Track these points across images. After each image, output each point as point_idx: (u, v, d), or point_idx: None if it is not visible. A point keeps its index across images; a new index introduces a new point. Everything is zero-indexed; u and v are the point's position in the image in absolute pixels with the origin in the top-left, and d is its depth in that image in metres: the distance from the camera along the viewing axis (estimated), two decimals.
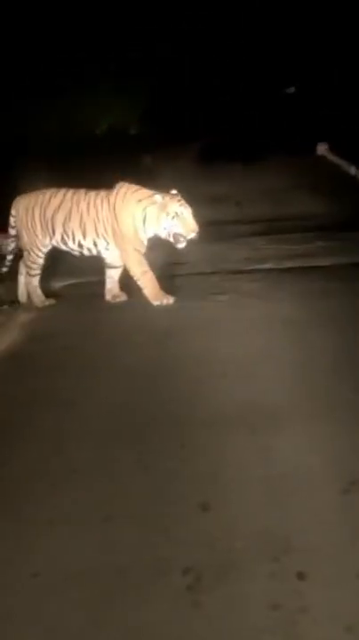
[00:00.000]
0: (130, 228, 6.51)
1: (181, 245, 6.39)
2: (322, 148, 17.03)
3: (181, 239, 6.34)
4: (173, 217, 6.33)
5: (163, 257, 6.96)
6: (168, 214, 6.34)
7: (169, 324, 5.89)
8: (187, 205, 6.35)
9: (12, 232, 7.01)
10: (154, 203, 6.40)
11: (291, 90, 19.08)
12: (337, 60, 16.63)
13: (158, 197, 6.39)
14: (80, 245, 6.75)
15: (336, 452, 3.71)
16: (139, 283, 6.51)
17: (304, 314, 5.90)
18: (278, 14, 18.34)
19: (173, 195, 6.42)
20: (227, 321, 5.93)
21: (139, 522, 3.21)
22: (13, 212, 6.97)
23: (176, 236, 6.35)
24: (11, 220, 6.99)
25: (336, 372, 4.72)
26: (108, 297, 6.80)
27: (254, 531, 3.10)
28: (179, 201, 6.35)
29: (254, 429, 3.97)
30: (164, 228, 6.38)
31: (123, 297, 6.77)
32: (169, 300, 6.44)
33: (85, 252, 6.80)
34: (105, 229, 6.62)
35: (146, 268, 6.51)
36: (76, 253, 6.86)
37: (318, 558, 2.88)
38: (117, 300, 6.77)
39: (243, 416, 4.14)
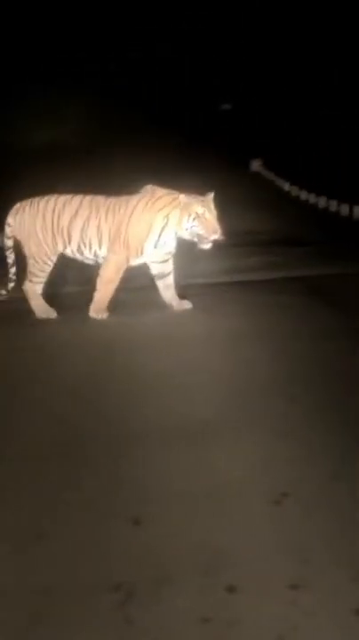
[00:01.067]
0: (137, 233, 6.36)
1: (206, 246, 6.32)
2: (256, 164, 17.26)
3: (204, 240, 6.28)
4: (194, 218, 6.25)
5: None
6: (189, 215, 6.27)
7: (106, 339, 5.88)
8: (210, 206, 6.28)
9: (9, 243, 6.72)
10: (177, 206, 6.32)
11: (227, 107, 19.29)
12: (271, 77, 16.88)
13: (183, 197, 6.31)
14: (96, 255, 6.55)
15: (268, 463, 3.72)
16: (98, 286, 6.40)
17: (242, 327, 5.95)
18: (215, 35, 18.55)
19: (196, 196, 6.33)
20: (165, 335, 5.94)
21: (70, 539, 3.16)
22: (11, 220, 6.68)
23: (199, 236, 6.29)
24: (8, 230, 6.69)
25: (271, 384, 4.76)
26: (174, 304, 6.61)
27: (186, 544, 3.08)
28: (202, 201, 6.28)
29: (187, 443, 3.96)
30: (186, 229, 6.31)
31: (188, 304, 6.61)
32: (103, 316, 6.38)
33: (101, 262, 6.56)
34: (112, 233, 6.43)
35: (116, 277, 6.40)
36: (91, 262, 6.65)
37: (249, 570, 2.88)
38: (184, 307, 6.59)
39: (176, 429, 4.13)
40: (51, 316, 6.57)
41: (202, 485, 3.53)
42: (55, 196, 6.69)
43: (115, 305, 6.50)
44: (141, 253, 6.43)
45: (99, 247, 6.49)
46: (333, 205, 13.07)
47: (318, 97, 13.83)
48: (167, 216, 6.34)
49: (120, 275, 6.42)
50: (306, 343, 5.53)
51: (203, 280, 7.40)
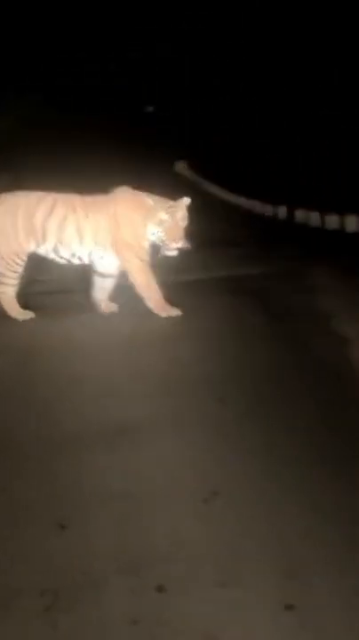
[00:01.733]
0: (131, 235, 6.17)
1: (170, 253, 6.11)
2: (180, 166, 17.31)
3: (167, 247, 6.08)
4: (158, 223, 6.06)
5: (26, 272, 6.76)
6: (154, 220, 6.07)
7: (30, 344, 5.75)
8: (177, 213, 6.05)
9: None
10: (149, 208, 6.11)
11: (150, 109, 19.32)
12: (194, 79, 16.96)
13: (149, 201, 6.11)
14: (73, 254, 6.30)
15: (198, 463, 3.70)
16: (142, 294, 6.16)
17: (171, 328, 5.91)
18: (142, 40, 18.59)
19: (167, 201, 6.10)
20: (92, 338, 5.86)
21: None
22: None
23: (163, 243, 6.08)
24: None
25: (200, 384, 4.73)
26: (103, 307, 6.38)
27: (113, 547, 3.04)
28: (169, 207, 6.06)
29: (116, 445, 3.91)
30: (152, 234, 6.10)
31: (114, 307, 6.40)
32: (177, 312, 6.13)
33: (75, 261, 6.35)
34: (105, 238, 6.22)
35: (148, 275, 6.18)
36: (64, 262, 6.38)
37: (178, 570, 2.85)
38: (110, 310, 6.37)
39: (105, 432, 4.07)
40: (27, 317, 6.32)
41: (130, 487, 3.49)
42: (26, 192, 6.41)
43: (36, 308, 6.37)
44: (146, 250, 6.22)
45: (80, 246, 6.27)
46: (258, 206, 13.20)
47: (243, 100, 13.94)
48: (143, 217, 6.13)
49: (149, 273, 6.18)
50: (235, 343, 5.53)
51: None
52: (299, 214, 12.26)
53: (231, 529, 3.11)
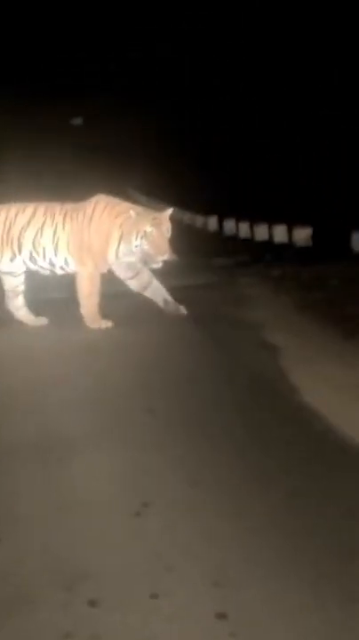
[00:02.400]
0: (99, 242, 6.07)
1: (155, 266, 6.05)
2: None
3: (152, 260, 6.01)
4: (142, 236, 5.93)
5: None
6: (138, 232, 5.94)
7: None
8: (162, 225, 5.94)
9: None
10: (129, 218, 6.00)
11: (78, 121, 19.25)
12: (121, 92, 17.02)
13: (133, 213, 5.99)
14: (51, 263, 6.26)
15: (127, 475, 3.71)
16: (81, 300, 6.13)
17: (103, 340, 5.92)
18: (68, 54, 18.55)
19: (150, 212, 6.04)
20: (17, 351, 5.82)
21: None
22: None
23: (147, 256, 6.00)
24: None
25: (129, 396, 4.75)
26: (168, 308, 6.34)
27: (46, 561, 3.02)
28: (153, 219, 5.95)
29: (45, 459, 3.89)
30: (135, 246, 6.00)
31: (182, 309, 6.36)
32: (107, 324, 6.09)
33: (58, 271, 6.29)
34: (74, 243, 6.16)
35: (95, 289, 6.11)
36: (47, 272, 6.35)
37: (110, 583, 2.85)
38: (179, 311, 6.32)
39: (34, 446, 4.05)
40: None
41: (61, 501, 3.48)
42: (7, 205, 6.42)
43: None
44: (107, 261, 6.19)
45: (55, 254, 6.23)
46: (187, 217, 13.29)
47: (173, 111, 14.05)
48: (121, 226, 6.09)
49: (97, 285, 6.16)
50: (164, 353, 5.57)
51: (59, 295, 7.32)
52: (228, 225, 12.41)
53: (162, 540, 3.13)
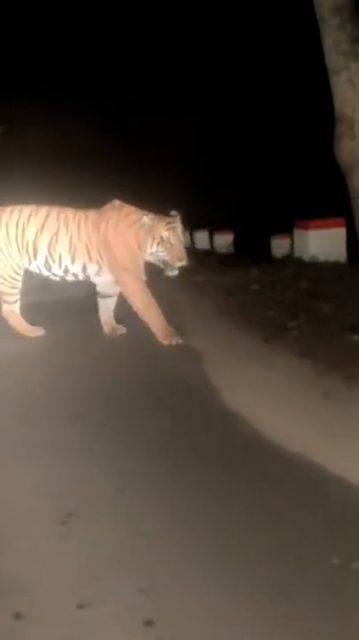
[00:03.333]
0: (126, 254, 5.81)
1: (172, 273, 5.76)
2: None
3: (169, 267, 5.72)
4: (159, 242, 5.67)
5: None
6: (154, 239, 5.69)
7: None
8: (176, 230, 5.70)
9: None
10: (141, 227, 5.75)
11: None
12: (42, 101, 16.90)
13: (146, 220, 5.73)
14: (66, 270, 6.01)
15: (53, 485, 3.67)
16: (142, 316, 5.77)
17: (21, 350, 5.84)
18: None
19: (163, 217, 5.75)
20: None
21: None
22: None
23: (164, 263, 5.72)
24: None
25: (53, 405, 4.71)
26: (107, 330, 6.05)
27: None
28: (167, 224, 5.69)
29: None
30: (151, 254, 5.74)
31: (122, 329, 6.05)
32: (178, 341, 5.64)
33: (69, 278, 6.05)
34: (100, 255, 5.91)
35: (149, 298, 5.77)
36: (57, 279, 6.10)
37: (35, 595, 2.81)
38: (118, 332, 6.02)
39: None
40: (38, 334, 6.13)
41: None
42: (19, 207, 6.18)
43: None
44: (140, 265, 5.88)
45: (72, 263, 6.01)
46: None
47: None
48: (137, 233, 5.82)
49: (148, 294, 5.81)
50: (87, 360, 5.54)
51: None
52: None
53: (87, 550, 3.11)
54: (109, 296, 6.12)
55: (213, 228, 12.78)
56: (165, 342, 5.61)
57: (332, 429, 4.10)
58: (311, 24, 6.71)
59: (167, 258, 5.69)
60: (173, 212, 5.83)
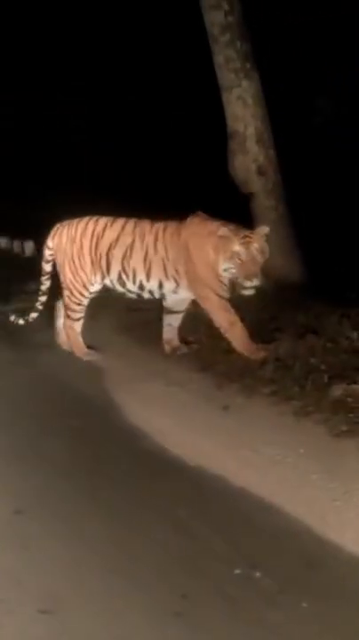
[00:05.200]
0: (207, 270, 5.31)
1: (247, 292, 5.16)
2: None
3: (240, 286, 5.15)
4: (230, 257, 5.14)
5: None
6: (226, 253, 5.16)
7: None
8: (252, 245, 5.12)
9: (47, 267, 5.79)
10: (219, 239, 5.21)
11: None
12: None
13: (223, 231, 5.18)
14: (141, 287, 5.57)
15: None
16: (226, 335, 5.31)
17: None
18: None
19: (243, 231, 5.20)
20: None
21: None
22: (51, 243, 5.76)
23: (234, 280, 5.19)
24: (47, 253, 5.77)
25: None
26: (168, 349, 5.60)
27: None
28: (242, 238, 5.13)
29: None
30: (224, 270, 5.20)
31: (184, 349, 5.58)
32: (264, 353, 5.14)
33: (145, 295, 5.61)
34: (176, 271, 5.46)
35: (233, 316, 5.30)
36: (133, 296, 5.67)
37: None
38: (179, 352, 5.55)
39: None
40: (92, 358, 5.72)
41: None
42: (95, 218, 5.78)
43: None
44: (223, 284, 5.34)
45: (147, 279, 5.56)
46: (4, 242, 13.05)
47: None
48: (214, 248, 5.28)
49: (231, 310, 5.32)
50: None
51: None
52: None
53: None
54: (177, 312, 5.69)
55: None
56: (252, 357, 5.19)
57: (232, 441, 4.15)
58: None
59: (238, 275, 5.17)
60: (264, 227, 5.33)
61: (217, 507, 3.58)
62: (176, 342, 5.66)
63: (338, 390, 4.48)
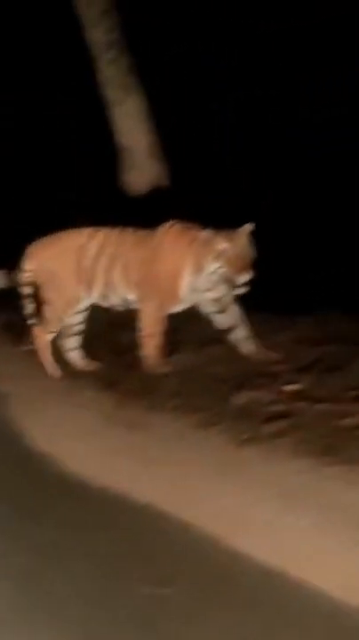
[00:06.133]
0: (168, 278, 5.10)
1: (241, 290, 4.97)
2: None
3: (232, 283, 4.95)
4: (217, 256, 4.94)
5: None
6: (211, 254, 4.94)
7: None
8: (238, 241, 4.92)
9: (27, 290, 5.45)
10: (200, 243, 5.02)
11: None
12: None
13: (205, 234, 4.99)
14: (125, 300, 5.28)
15: None
16: (143, 340, 5.16)
17: None
18: None
19: (222, 231, 5.00)
20: None
21: None
22: (29, 265, 5.41)
23: (227, 279, 4.96)
24: (25, 275, 5.44)
25: None
26: (258, 359, 5.11)
27: None
28: (226, 235, 4.94)
29: None
30: (212, 272, 4.98)
31: (274, 355, 5.11)
32: (168, 367, 5.10)
33: (133, 306, 5.29)
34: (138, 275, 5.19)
35: (158, 330, 5.15)
36: (121, 309, 5.37)
37: None
38: (274, 357, 5.09)
39: None
40: (55, 375, 5.44)
41: None
42: (77, 230, 5.47)
43: None
44: (179, 298, 5.16)
45: (128, 291, 5.30)
46: None
47: None
48: (195, 255, 5.08)
49: (161, 325, 5.17)
50: None
51: None
52: None
53: None
54: (234, 326, 5.25)
55: (13, 266, 12.51)
56: (157, 370, 5.14)
57: (138, 459, 4.14)
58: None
59: (228, 273, 4.96)
60: (247, 225, 5.02)
61: (124, 526, 3.56)
62: (262, 352, 5.19)
63: (240, 399, 4.52)
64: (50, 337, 5.53)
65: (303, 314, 5.48)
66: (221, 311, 5.20)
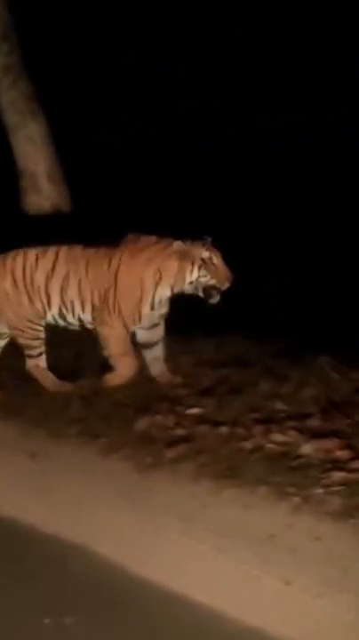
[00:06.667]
0: (129, 297, 5.02)
1: (215, 300, 4.97)
2: None
3: (214, 292, 4.96)
4: (200, 265, 4.93)
5: None
6: (194, 264, 4.91)
7: None
8: (215, 250, 4.94)
9: None
10: (171, 255, 4.94)
11: None
12: None
13: (178, 244, 4.92)
14: (80, 320, 5.15)
15: None
16: (112, 361, 5.08)
17: None
18: None
19: (195, 241, 4.97)
20: None
21: None
22: None
23: (207, 289, 4.95)
24: None
25: None
26: (163, 382, 5.09)
27: None
28: (203, 245, 4.93)
29: None
30: (191, 282, 4.94)
31: (177, 379, 5.11)
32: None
33: (88, 326, 5.18)
34: (90, 294, 5.09)
35: (127, 349, 5.06)
36: (76, 328, 5.23)
37: None
38: (174, 382, 5.08)
39: None
40: (67, 389, 5.18)
41: None
42: (23, 250, 5.25)
43: None
44: (139, 318, 5.09)
45: (83, 311, 5.17)
46: None
47: None
48: (159, 269, 5.00)
49: (127, 344, 5.09)
50: None
51: None
52: None
53: None
54: (154, 343, 5.21)
55: None
56: (114, 384, 5.08)
57: (41, 488, 4.12)
58: None
59: (213, 281, 4.95)
60: (206, 237, 5.05)
61: (26, 557, 3.55)
62: (168, 375, 5.20)
63: (143, 424, 4.56)
64: (42, 360, 5.33)
65: (203, 336, 5.55)
66: (153, 327, 5.21)
